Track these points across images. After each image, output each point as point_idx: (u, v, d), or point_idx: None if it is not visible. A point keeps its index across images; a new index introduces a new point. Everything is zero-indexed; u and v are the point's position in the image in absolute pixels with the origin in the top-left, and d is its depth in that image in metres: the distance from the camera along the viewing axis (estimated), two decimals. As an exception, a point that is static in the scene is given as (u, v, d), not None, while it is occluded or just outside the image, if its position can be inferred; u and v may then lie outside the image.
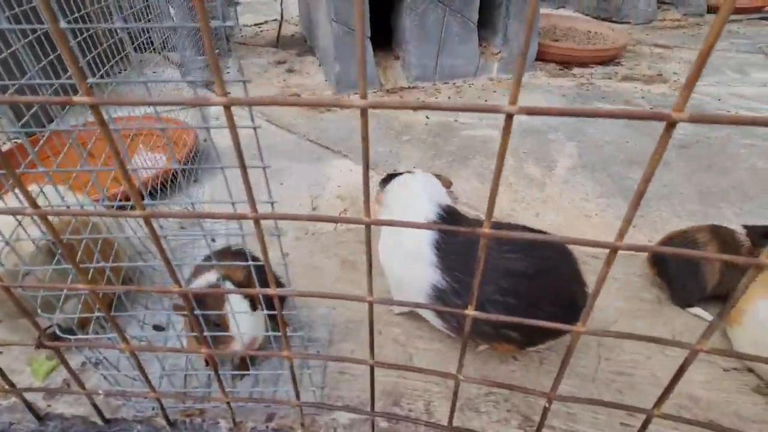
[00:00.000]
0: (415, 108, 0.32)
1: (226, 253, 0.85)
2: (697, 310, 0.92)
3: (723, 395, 0.75)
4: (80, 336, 0.66)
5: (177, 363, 0.83)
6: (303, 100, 0.31)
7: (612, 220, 1.58)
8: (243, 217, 0.45)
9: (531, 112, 0.32)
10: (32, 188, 0.89)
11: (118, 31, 0.56)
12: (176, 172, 1.65)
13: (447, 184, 1.03)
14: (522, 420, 0.70)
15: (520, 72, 0.29)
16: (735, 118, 0.30)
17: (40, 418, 0.74)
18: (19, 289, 0.64)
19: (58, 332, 0.67)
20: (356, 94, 1.75)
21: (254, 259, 0.81)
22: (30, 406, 0.69)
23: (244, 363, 0.82)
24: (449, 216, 0.84)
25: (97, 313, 0.67)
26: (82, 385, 0.66)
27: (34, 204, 0.44)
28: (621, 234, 0.37)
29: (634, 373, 0.78)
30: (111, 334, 0.86)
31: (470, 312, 0.48)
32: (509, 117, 0.33)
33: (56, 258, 0.69)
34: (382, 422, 0.70)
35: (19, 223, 0.66)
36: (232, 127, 0.31)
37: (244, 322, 0.69)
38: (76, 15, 0.88)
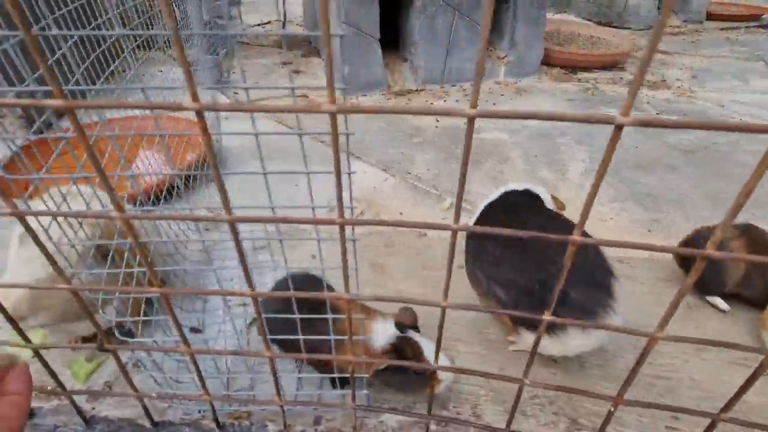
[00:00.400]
0: (377, 112, 0.33)
1: (312, 280, 0.83)
2: (715, 299, 0.95)
3: (765, 399, 0.77)
4: (139, 339, 0.66)
5: (219, 365, 0.83)
6: (268, 106, 0.32)
7: (627, 224, 1.60)
8: (330, 222, 0.46)
9: (491, 115, 0.33)
10: (63, 190, 0.89)
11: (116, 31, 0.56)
12: (192, 174, 1.65)
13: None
14: (569, 423, 0.71)
15: (478, 83, 0.31)
16: (683, 122, 0.30)
17: (87, 420, 0.73)
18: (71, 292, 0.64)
19: (117, 334, 0.67)
20: (365, 95, 1.79)
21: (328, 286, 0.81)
22: (79, 409, 0.69)
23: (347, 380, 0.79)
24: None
25: (150, 314, 0.67)
26: (134, 388, 0.66)
27: (120, 208, 0.45)
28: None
29: (672, 376, 0.80)
30: (146, 336, 0.86)
31: (547, 317, 0.50)
32: (470, 120, 0.34)
33: (109, 260, 0.69)
34: (432, 425, 0.71)
35: (69, 226, 0.66)
36: (205, 132, 0.31)
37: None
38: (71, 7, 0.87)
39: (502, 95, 2.82)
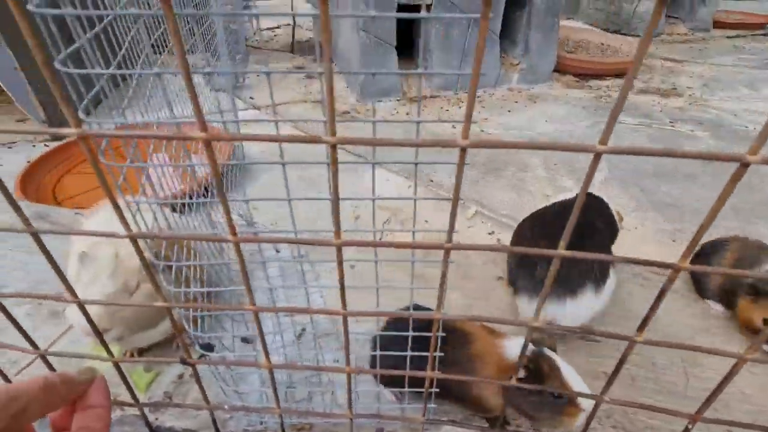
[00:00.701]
0: (367, 144, 0.34)
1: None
2: (710, 302, 1.04)
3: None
4: (222, 353, 0.67)
5: (276, 377, 0.84)
6: (263, 136, 0.32)
7: (651, 234, 1.62)
8: (438, 247, 0.47)
9: (482, 145, 0.33)
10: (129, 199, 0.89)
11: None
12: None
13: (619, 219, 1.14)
14: (626, 436, 0.73)
15: (470, 110, 0.32)
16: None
17: (153, 430, 0.74)
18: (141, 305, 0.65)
19: (198, 349, 0.68)
20: (380, 101, 1.81)
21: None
22: (147, 421, 0.69)
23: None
24: None
25: (248, 333, 0.68)
26: (206, 399, 0.67)
27: (234, 231, 0.46)
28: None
29: (725, 390, 0.81)
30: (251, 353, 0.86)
31: (639, 339, 0.51)
32: (463, 150, 0.35)
33: (174, 273, 0.70)
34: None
35: (145, 241, 0.67)
36: (213, 161, 0.32)
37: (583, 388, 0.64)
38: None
39: (516, 102, 2.84)
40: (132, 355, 0.86)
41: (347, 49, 2.91)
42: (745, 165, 0.38)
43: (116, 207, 0.38)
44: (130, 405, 0.67)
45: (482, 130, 2.49)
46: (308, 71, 0.44)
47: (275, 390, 0.66)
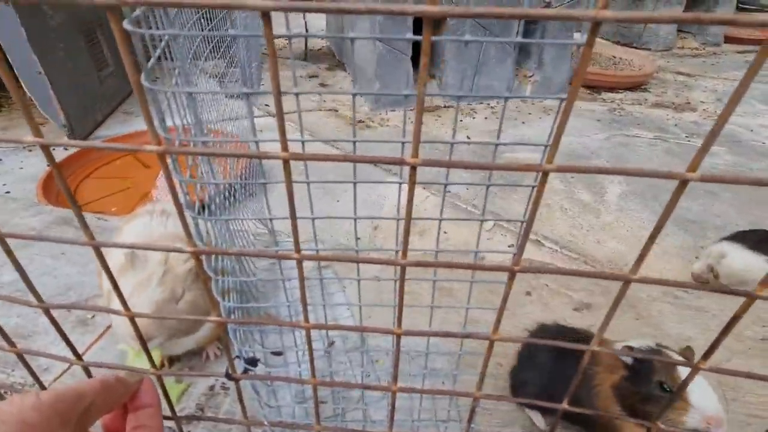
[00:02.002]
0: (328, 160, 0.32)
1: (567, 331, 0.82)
2: None
3: None
4: (267, 369, 0.66)
5: (305, 390, 0.83)
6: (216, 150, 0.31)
7: (672, 250, 1.61)
8: (503, 269, 0.46)
9: (429, 164, 0.32)
10: (156, 207, 0.89)
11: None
12: (235, 185, 1.66)
13: None
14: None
15: (559, 135, 0.30)
16: (597, 169, 0.29)
17: (182, 447, 0.73)
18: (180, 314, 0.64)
19: (244, 363, 0.67)
20: (393, 110, 1.83)
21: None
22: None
23: None
24: None
25: (298, 348, 0.67)
26: (245, 414, 0.65)
27: (298, 249, 0.45)
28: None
29: (765, 414, 0.80)
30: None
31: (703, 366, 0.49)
32: (412, 169, 0.33)
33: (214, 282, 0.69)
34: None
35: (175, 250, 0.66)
36: (289, 182, 0.31)
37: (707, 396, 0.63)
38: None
39: (529, 114, 2.84)
40: (163, 365, 0.85)
41: (363, 59, 2.93)
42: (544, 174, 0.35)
43: (185, 224, 0.37)
44: (169, 418, 0.66)
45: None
46: (334, 91, 0.43)
47: (317, 406, 0.64)
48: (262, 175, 0.67)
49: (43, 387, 0.55)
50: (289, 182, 0.32)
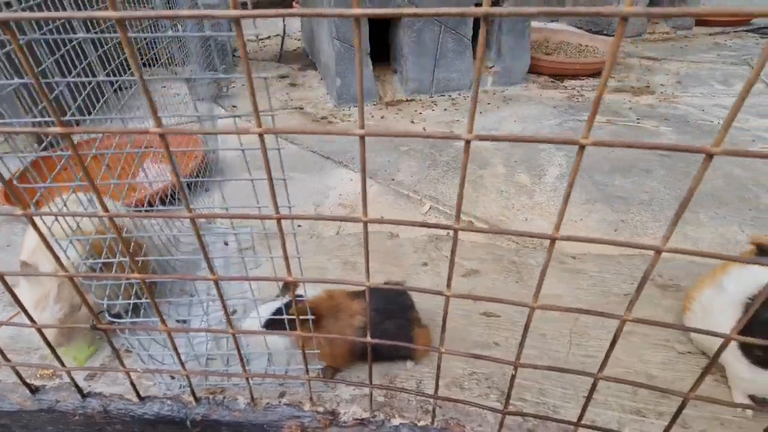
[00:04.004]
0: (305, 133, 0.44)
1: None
2: None
3: (677, 374, 0.85)
4: (125, 320, 0.77)
5: (198, 350, 0.94)
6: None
7: (594, 225, 1.69)
8: (267, 217, 0.57)
9: (376, 133, 0.43)
10: (71, 197, 1.01)
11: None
12: (189, 182, 1.78)
13: None
14: (500, 394, 0.81)
15: (473, 109, 0.42)
16: (506, 137, 0.40)
17: (83, 395, 0.85)
18: (80, 280, 0.76)
19: (108, 317, 0.79)
20: (356, 106, 1.95)
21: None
22: (77, 385, 0.80)
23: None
24: None
25: (137, 300, 0.79)
26: (122, 363, 0.77)
27: (105, 208, 0.56)
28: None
29: (599, 355, 0.89)
30: (148, 319, 0.97)
31: (535, 305, 0.60)
32: (467, 143, 0.44)
33: (103, 254, 0.80)
34: (379, 397, 0.81)
35: (78, 226, 0.78)
36: (167, 150, 0.42)
37: None
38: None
39: (489, 104, 2.93)
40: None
41: (326, 56, 3.04)
42: (710, 156, 0.46)
43: (52, 252, 0.48)
44: (59, 369, 0.79)
45: (451, 131, 2.58)
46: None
47: (176, 351, 0.76)
48: (219, 173, 0.78)
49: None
50: (266, 158, 0.44)
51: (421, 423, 0.77)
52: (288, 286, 0.87)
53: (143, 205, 1.46)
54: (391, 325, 0.83)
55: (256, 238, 1.30)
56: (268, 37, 4.67)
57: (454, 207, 1.86)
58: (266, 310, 0.80)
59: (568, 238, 0.50)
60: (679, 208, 0.46)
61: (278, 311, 0.80)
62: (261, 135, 0.47)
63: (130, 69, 1.14)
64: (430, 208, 1.84)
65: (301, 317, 0.79)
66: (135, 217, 0.51)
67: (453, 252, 0.55)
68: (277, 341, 0.81)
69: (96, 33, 0.70)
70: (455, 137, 0.45)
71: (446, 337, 0.97)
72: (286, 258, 0.61)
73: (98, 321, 0.70)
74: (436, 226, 0.53)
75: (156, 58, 2.46)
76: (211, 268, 0.62)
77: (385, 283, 0.90)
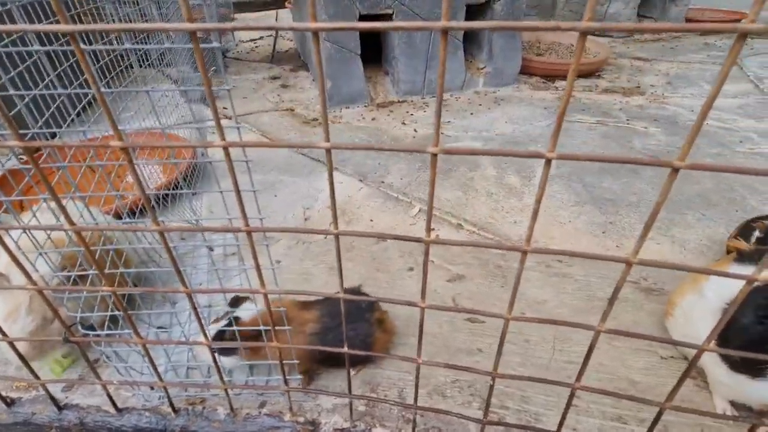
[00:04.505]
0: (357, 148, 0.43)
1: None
2: None
3: (660, 380, 0.85)
4: (99, 332, 0.76)
5: (179, 359, 0.92)
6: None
7: (583, 226, 1.69)
8: (237, 230, 0.56)
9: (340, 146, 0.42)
10: (43, 207, 0.99)
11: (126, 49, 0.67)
12: (177, 185, 1.77)
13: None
14: (482, 402, 0.80)
15: (438, 120, 0.41)
16: (471, 150, 0.40)
17: (60, 407, 0.83)
18: (50, 293, 0.75)
19: (80, 329, 0.77)
20: (347, 108, 1.97)
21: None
22: (52, 397, 0.79)
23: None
24: None
25: (114, 312, 0.78)
26: (98, 376, 0.76)
27: (71, 221, 0.55)
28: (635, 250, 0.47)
29: (580, 360, 0.89)
30: (123, 331, 0.96)
31: (509, 316, 0.59)
32: (328, 152, 0.43)
33: (77, 265, 0.79)
34: (361, 406, 0.80)
35: (48, 237, 0.77)
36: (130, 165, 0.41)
37: None
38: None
39: (480, 105, 2.93)
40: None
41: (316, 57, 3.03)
42: (675, 170, 0.45)
43: (19, 265, 0.47)
44: (34, 382, 0.77)
45: (443, 133, 2.58)
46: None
47: (152, 363, 0.75)
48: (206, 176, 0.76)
49: None
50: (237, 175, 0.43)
51: (402, 432, 0.77)
52: (239, 301, 0.86)
53: (123, 214, 1.44)
54: (349, 330, 0.82)
55: (241, 244, 1.29)
56: (261, 38, 4.65)
57: (443, 209, 1.85)
58: (213, 330, 0.80)
59: (537, 251, 0.49)
60: (647, 221, 0.45)
61: (221, 331, 0.80)
62: (225, 148, 0.46)
63: (107, 76, 1.12)
64: (419, 210, 1.84)
65: (252, 329, 0.79)
66: (99, 230, 0.51)
67: (425, 263, 0.55)
68: (226, 358, 0.81)
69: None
70: (422, 151, 0.45)
71: (430, 343, 0.97)
72: (258, 270, 0.60)
73: (71, 333, 0.69)
74: (406, 239, 0.52)
75: (146, 56, 2.44)
76: (183, 281, 0.61)
77: (347, 291, 0.90)
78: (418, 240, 0.50)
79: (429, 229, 0.50)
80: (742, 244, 0.84)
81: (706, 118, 0.40)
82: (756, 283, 0.78)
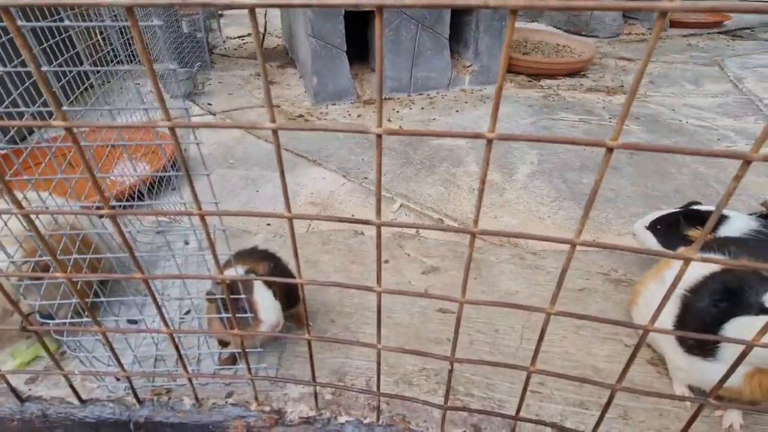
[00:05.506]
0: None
1: (252, 252, 0.97)
2: None
3: (622, 366, 0.86)
4: (57, 320, 0.75)
5: (147, 351, 0.92)
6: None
7: (562, 222, 1.71)
8: (189, 213, 0.56)
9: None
10: (18, 195, 0.98)
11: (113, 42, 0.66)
12: (156, 180, 1.76)
13: None
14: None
15: (380, 103, 0.41)
16: (421, 132, 0.41)
17: (22, 400, 0.82)
18: (7, 282, 0.74)
19: (38, 318, 0.77)
20: (334, 104, 1.97)
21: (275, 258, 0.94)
22: (13, 389, 0.78)
23: (233, 358, 0.92)
24: None
25: (73, 300, 0.77)
26: (59, 366, 0.75)
27: (19, 205, 0.55)
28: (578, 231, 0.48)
29: (550, 350, 0.90)
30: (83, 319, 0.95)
31: (462, 300, 0.59)
32: (379, 138, 0.43)
33: (37, 254, 0.78)
34: (327, 395, 0.80)
35: (5, 223, 0.76)
36: (176, 143, 0.41)
37: (270, 308, 0.80)
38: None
39: (466, 103, 2.94)
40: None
41: (303, 54, 3.02)
42: (610, 150, 0.45)
43: None
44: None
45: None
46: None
47: (114, 353, 0.74)
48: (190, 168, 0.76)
49: None
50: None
51: (367, 420, 0.77)
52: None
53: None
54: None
55: (217, 238, 1.28)
56: (249, 35, 4.63)
57: (424, 205, 1.86)
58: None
59: (485, 232, 0.50)
60: (587, 204, 0.46)
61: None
62: (172, 129, 0.46)
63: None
64: (400, 205, 1.84)
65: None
66: (49, 213, 0.50)
67: (378, 246, 0.55)
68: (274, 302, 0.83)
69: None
70: (366, 131, 0.45)
71: (402, 333, 0.97)
72: (215, 258, 0.60)
73: (28, 323, 0.68)
74: (355, 221, 0.52)
75: (134, 54, 2.42)
76: (139, 267, 0.61)
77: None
78: (367, 222, 0.51)
79: (379, 211, 0.51)
80: (698, 232, 0.86)
81: (639, 86, 0.41)
82: (713, 269, 0.80)
